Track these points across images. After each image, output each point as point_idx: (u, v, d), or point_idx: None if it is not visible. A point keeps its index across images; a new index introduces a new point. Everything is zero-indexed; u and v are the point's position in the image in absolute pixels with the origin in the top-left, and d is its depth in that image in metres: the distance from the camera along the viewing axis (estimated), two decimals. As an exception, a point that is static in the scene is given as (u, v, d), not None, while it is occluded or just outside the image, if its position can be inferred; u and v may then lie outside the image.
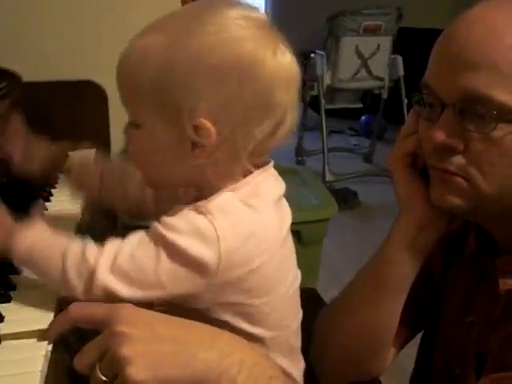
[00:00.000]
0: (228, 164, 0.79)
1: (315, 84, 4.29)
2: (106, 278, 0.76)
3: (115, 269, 0.76)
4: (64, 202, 1.26)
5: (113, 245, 0.79)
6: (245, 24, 0.76)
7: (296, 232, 2.26)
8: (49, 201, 1.26)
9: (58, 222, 1.03)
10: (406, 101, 4.29)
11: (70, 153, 1.02)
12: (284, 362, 0.88)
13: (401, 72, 4.32)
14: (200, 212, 0.76)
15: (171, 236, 0.75)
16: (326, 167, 4.17)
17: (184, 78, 0.74)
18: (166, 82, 0.75)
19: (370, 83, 4.36)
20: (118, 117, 1.87)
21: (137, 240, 0.78)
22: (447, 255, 0.99)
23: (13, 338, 0.78)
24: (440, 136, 0.80)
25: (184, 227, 0.76)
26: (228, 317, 0.80)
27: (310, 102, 4.51)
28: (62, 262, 0.78)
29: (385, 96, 4.46)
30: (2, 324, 0.80)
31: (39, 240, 0.82)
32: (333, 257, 2.98)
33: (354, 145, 5.32)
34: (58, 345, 0.78)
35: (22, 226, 0.83)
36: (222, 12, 0.76)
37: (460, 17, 0.82)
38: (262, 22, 0.78)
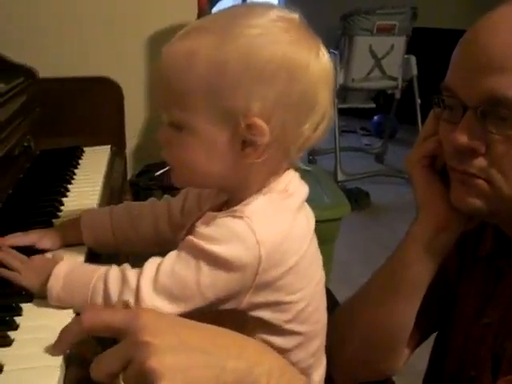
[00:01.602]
0: (276, 162, 0.81)
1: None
2: (151, 299, 0.76)
3: (158, 288, 0.77)
4: (81, 197, 1.27)
5: (151, 264, 0.79)
6: (286, 26, 0.78)
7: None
8: (66, 196, 1.26)
9: (79, 205, 1.05)
10: (419, 101, 4.29)
11: (82, 217, 1.02)
12: (311, 360, 0.89)
13: (414, 72, 4.31)
14: (237, 217, 0.77)
15: (210, 247, 0.76)
16: (338, 166, 4.16)
17: (236, 78, 0.75)
18: (219, 82, 0.75)
19: (383, 83, 4.34)
20: (132, 113, 1.91)
21: (175, 256, 0.79)
22: (462, 256, 0.99)
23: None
24: (462, 138, 0.80)
25: (222, 235, 0.76)
26: (263, 314, 0.81)
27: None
28: (102, 288, 0.79)
29: (398, 96, 4.44)
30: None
31: (72, 271, 0.84)
32: (343, 256, 2.98)
33: (366, 144, 5.31)
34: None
35: (52, 264, 0.85)
36: (263, 14, 0.78)
37: (483, 19, 0.81)
38: (299, 24, 0.80)
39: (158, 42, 2.14)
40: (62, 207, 1.19)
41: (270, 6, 0.81)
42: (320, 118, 0.80)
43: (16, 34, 1.92)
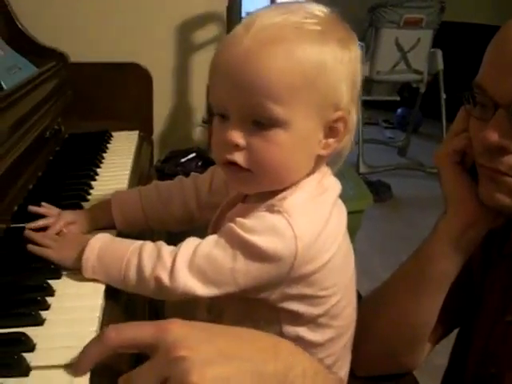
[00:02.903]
0: (342, 153, 0.85)
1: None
2: (185, 278, 0.78)
3: (193, 268, 0.78)
4: (110, 180, 1.28)
5: (188, 244, 0.80)
6: (341, 25, 0.83)
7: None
8: (95, 180, 1.28)
9: (108, 188, 1.07)
10: (444, 95, 4.25)
11: (112, 197, 1.03)
12: (338, 357, 0.90)
13: (440, 66, 4.27)
14: (276, 211, 0.78)
15: (249, 237, 0.77)
16: (361, 159, 4.15)
17: (332, 76, 0.78)
18: (318, 80, 0.77)
19: (408, 76, 4.31)
20: (160, 99, 1.92)
21: (213, 241, 0.80)
22: (488, 253, 0.99)
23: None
24: (493, 136, 0.80)
25: (261, 227, 0.77)
26: (295, 306, 0.82)
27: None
28: (136, 262, 0.81)
29: (422, 90, 4.41)
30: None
31: (107, 243, 0.85)
32: (363, 248, 2.98)
33: (389, 137, 5.29)
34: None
35: (85, 238, 0.87)
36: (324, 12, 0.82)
37: None
38: (342, 21, 0.84)
39: (187, 29, 2.15)
40: (92, 190, 1.21)
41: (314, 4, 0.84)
42: (356, 110, 0.84)
43: (49, 20, 1.94)
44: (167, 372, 0.60)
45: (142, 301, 1.00)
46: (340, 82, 0.79)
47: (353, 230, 2.66)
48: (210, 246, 0.79)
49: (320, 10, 0.82)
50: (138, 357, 0.67)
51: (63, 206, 1.05)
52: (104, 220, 1.01)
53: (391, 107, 5.28)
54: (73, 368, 0.67)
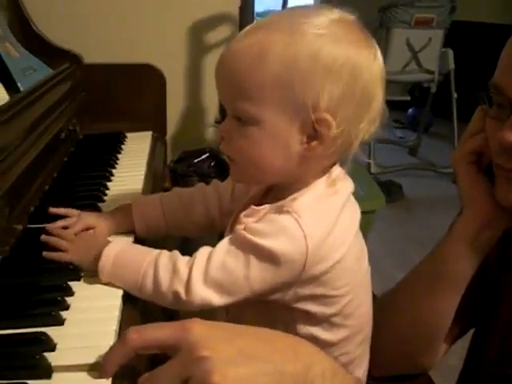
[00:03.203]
0: (337, 156, 0.84)
1: (364, 75, 4.26)
2: (202, 291, 0.79)
3: (208, 280, 0.79)
4: (125, 181, 1.29)
5: (202, 255, 0.81)
6: (346, 26, 0.81)
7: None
8: (110, 181, 1.28)
9: (120, 201, 1.07)
10: (455, 95, 4.24)
11: (133, 203, 1.04)
12: (357, 352, 0.91)
13: (451, 66, 4.26)
14: (285, 212, 0.79)
15: (260, 241, 0.78)
16: (372, 159, 4.14)
17: (306, 74, 0.77)
18: (290, 78, 0.77)
19: (419, 76, 4.30)
20: (173, 100, 1.93)
21: (225, 249, 0.80)
22: (504, 253, 0.99)
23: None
24: (510, 136, 0.80)
25: (271, 230, 0.78)
26: (308, 306, 0.83)
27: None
28: (152, 276, 0.82)
29: (434, 89, 4.40)
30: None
31: (123, 252, 0.86)
32: (374, 248, 2.97)
33: (400, 137, 5.27)
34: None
35: (100, 240, 0.90)
36: (324, 15, 0.81)
37: None
38: (357, 25, 0.83)
39: (200, 30, 2.16)
40: (107, 191, 1.22)
41: (328, 8, 0.83)
42: (376, 113, 0.83)
43: (63, 22, 1.95)
44: (189, 372, 0.60)
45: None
46: (319, 84, 0.77)
47: (365, 230, 2.65)
48: (222, 255, 0.80)
49: (335, 13, 0.82)
50: (155, 359, 0.68)
51: (79, 207, 1.05)
52: (124, 225, 1.02)
53: (402, 107, 5.26)
54: (99, 371, 0.68)
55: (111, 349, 0.67)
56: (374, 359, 1.00)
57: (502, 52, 0.84)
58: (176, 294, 0.80)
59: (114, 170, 1.35)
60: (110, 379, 0.67)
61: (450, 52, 4.28)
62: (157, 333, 0.64)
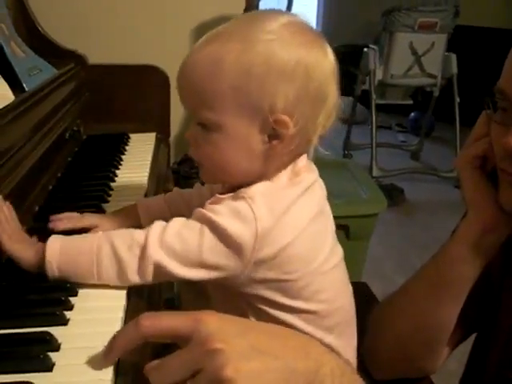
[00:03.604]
0: (298, 152, 0.88)
1: (367, 78, 4.27)
2: (157, 253, 0.82)
3: (163, 244, 0.82)
4: (129, 182, 1.30)
5: (158, 224, 0.85)
6: (296, 29, 0.85)
7: (344, 226, 2.26)
8: (114, 181, 1.29)
9: (124, 202, 1.08)
10: (458, 100, 4.25)
11: (138, 203, 1.06)
12: (329, 338, 0.91)
13: (454, 70, 4.26)
14: (240, 198, 0.84)
15: (214, 217, 0.82)
16: (374, 162, 4.15)
17: (261, 79, 0.82)
18: (246, 84, 0.82)
19: (422, 80, 4.31)
20: (178, 102, 1.92)
21: (182, 220, 0.85)
22: (507, 258, 0.99)
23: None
24: None
25: (225, 210, 0.83)
26: (266, 293, 0.86)
27: (360, 96, 4.49)
28: (109, 247, 0.84)
29: (436, 94, 4.41)
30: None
31: (67, 240, 0.87)
32: (376, 252, 2.98)
33: (402, 141, 5.28)
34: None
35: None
36: (276, 19, 0.85)
37: None
38: (306, 26, 0.87)
39: (205, 32, 2.16)
40: (111, 192, 1.22)
41: (282, 13, 0.88)
42: (332, 108, 0.88)
43: (68, 23, 1.96)
44: (201, 364, 0.61)
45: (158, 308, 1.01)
46: (274, 87, 0.82)
47: (366, 233, 2.65)
48: (179, 225, 0.84)
49: (285, 17, 0.86)
50: (157, 354, 0.67)
51: (82, 207, 1.06)
52: (128, 224, 1.02)
53: (404, 111, 5.27)
54: (102, 355, 0.68)
55: (120, 332, 0.67)
56: (376, 362, 1.01)
57: (507, 57, 0.85)
58: (133, 260, 0.82)
59: (117, 171, 1.36)
60: (113, 373, 0.67)
61: (454, 56, 4.28)
62: (170, 321, 0.64)
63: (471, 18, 5.17)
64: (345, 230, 2.28)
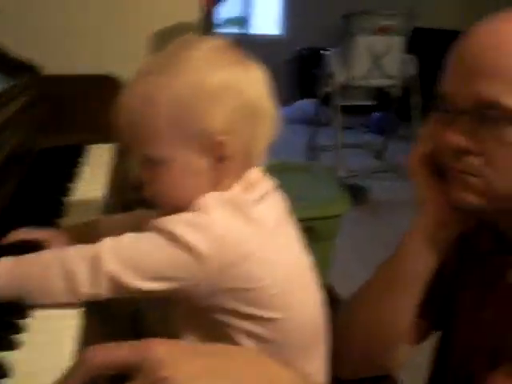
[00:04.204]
0: (243, 168, 0.89)
1: (329, 81, 4.32)
2: (111, 264, 0.80)
3: (118, 255, 0.81)
4: (84, 195, 1.27)
5: (111, 237, 0.84)
6: (221, 51, 0.88)
7: (309, 228, 2.27)
8: (69, 195, 1.26)
9: (79, 216, 1.07)
10: (418, 100, 4.32)
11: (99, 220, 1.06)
12: (294, 348, 0.90)
13: (414, 71, 4.36)
14: (194, 209, 0.84)
15: (169, 226, 0.82)
16: (339, 163, 4.19)
17: (194, 107, 0.84)
18: (179, 114, 0.84)
19: (382, 81, 4.41)
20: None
21: (135, 234, 0.84)
22: (461, 254, 1.01)
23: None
24: (457, 139, 0.85)
25: (180, 220, 0.83)
26: (232, 304, 0.85)
27: (323, 99, 4.53)
28: (61, 261, 0.82)
29: (397, 94, 4.49)
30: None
31: (20, 258, 0.85)
32: (343, 252, 2.99)
33: (366, 141, 5.33)
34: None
35: None
36: (199, 46, 0.88)
37: (473, 28, 0.87)
38: (231, 47, 0.90)
39: (162, 40, 2.15)
40: (66, 206, 1.20)
41: (203, 38, 0.93)
42: (270, 120, 0.90)
43: (22, 32, 1.92)
44: None
45: (122, 320, 1.00)
46: (207, 112, 0.84)
47: (332, 234, 2.66)
48: (134, 236, 0.84)
49: (208, 42, 0.89)
50: (114, 379, 0.66)
51: (38, 223, 1.03)
52: (84, 241, 1.00)
53: (368, 112, 5.32)
54: None
55: (69, 370, 0.64)
56: (340, 362, 1.01)
57: (446, 61, 0.89)
58: (85, 272, 0.80)
59: (72, 184, 1.33)
60: None
61: (412, 58, 4.38)
62: (117, 351, 0.62)
63: (431, 20, 5.26)
64: (310, 231, 2.28)
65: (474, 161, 0.85)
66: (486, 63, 0.82)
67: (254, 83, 0.88)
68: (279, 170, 2.12)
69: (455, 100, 0.85)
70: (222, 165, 0.87)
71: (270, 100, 0.90)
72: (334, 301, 1.20)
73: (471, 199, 0.87)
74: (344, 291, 1.06)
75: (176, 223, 0.82)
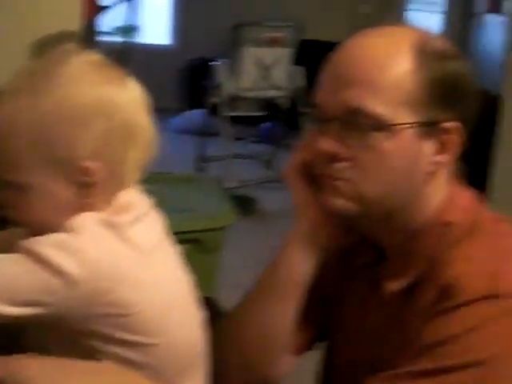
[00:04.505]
0: (114, 191, 0.84)
1: (217, 92, 4.34)
2: None
3: None
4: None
5: None
6: (92, 68, 0.83)
7: (195, 240, 2.27)
8: None
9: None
10: (305, 110, 4.40)
11: None
12: (175, 376, 0.89)
13: (302, 82, 4.44)
14: (65, 230, 0.79)
15: (37, 248, 0.76)
16: (227, 174, 4.21)
17: (56, 129, 0.79)
18: (42, 138, 0.79)
19: (271, 92, 4.47)
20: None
21: (1, 255, 0.79)
22: (341, 270, 1.04)
23: None
24: (325, 145, 0.89)
25: (48, 241, 0.77)
26: (108, 330, 0.80)
27: (212, 109, 4.54)
28: None
29: (286, 105, 4.56)
30: None
31: None
32: (233, 263, 3.01)
33: (256, 151, 5.37)
34: None
35: None
36: (66, 62, 0.82)
37: (345, 42, 0.93)
38: (103, 63, 0.85)
39: (42, 49, 2.10)
40: None
41: (74, 53, 0.85)
42: (146, 140, 0.86)
43: None
44: None
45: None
46: (72, 135, 0.80)
47: (218, 246, 2.65)
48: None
49: (79, 58, 0.84)
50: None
51: None
52: None
53: (257, 122, 5.38)
54: None
55: None
56: (225, 373, 1.01)
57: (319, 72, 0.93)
58: None
59: None
60: None
61: (300, 69, 4.46)
62: None
63: (318, 33, 5.41)
64: (196, 243, 2.28)
65: (342, 165, 0.89)
66: (353, 73, 0.88)
67: (127, 99, 0.83)
68: (164, 182, 2.13)
69: (326, 109, 0.90)
70: (88, 190, 0.82)
71: (147, 118, 0.85)
72: (216, 315, 1.20)
73: (340, 203, 0.90)
74: (232, 303, 1.06)
75: (45, 245, 0.77)
